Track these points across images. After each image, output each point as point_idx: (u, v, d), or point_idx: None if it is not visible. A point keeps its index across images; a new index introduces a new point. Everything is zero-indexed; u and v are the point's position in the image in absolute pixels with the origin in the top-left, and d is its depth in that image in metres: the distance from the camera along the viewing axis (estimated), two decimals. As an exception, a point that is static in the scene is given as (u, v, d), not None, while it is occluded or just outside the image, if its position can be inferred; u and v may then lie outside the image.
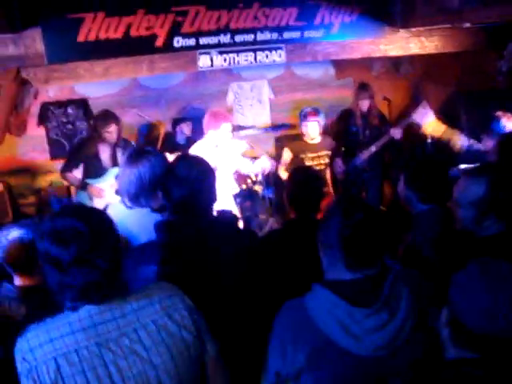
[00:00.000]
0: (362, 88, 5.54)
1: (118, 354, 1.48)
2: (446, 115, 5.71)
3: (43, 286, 2.43)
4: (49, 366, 1.43)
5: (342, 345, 1.62)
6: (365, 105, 5.52)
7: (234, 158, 4.84)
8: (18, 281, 2.45)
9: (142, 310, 1.56)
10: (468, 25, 4.79)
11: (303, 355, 1.65)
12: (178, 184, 2.25)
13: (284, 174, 5.21)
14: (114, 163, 5.00)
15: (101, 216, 1.58)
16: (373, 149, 5.36)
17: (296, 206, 2.86)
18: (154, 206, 2.60)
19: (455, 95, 5.74)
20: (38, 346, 1.45)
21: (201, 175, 2.28)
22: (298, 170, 3.39)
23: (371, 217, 1.73)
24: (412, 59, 6.35)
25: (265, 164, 4.91)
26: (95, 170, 4.97)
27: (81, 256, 1.44)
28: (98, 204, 4.65)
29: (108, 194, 4.88)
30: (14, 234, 2.44)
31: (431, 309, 1.72)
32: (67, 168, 5.05)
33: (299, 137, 5.27)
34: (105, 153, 5.00)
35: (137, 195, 2.59)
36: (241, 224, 4.68)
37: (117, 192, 2.79)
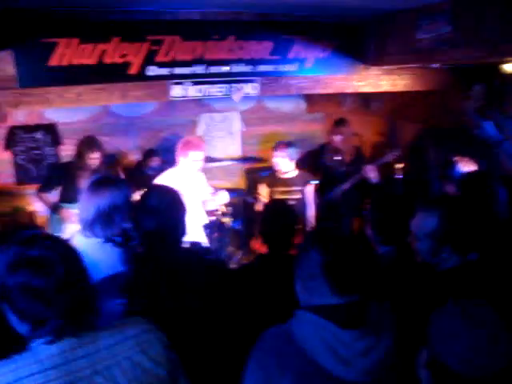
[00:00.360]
0: (339, 123, 5.63)
1: None
2: (414, 150, 5.84)
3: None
4: None
5: (330, 369, 1.58)
6: (337, 140, 5.56)
7: (201, 188, 4.81)
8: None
9: (116, 345, 1.49)
10: (437, 65, 4.93)
11: (289, 382, 1.60)
12: (147, 215, 2.21)
13: (261, 200, 5.15)
14: None
15: (67, 245, 1.51)
16: (345, 186, 5.40)
17: (268, 241, 2.84)
18: (109, 236, 2.51)
19: (423, 132, 5.85)
20: None
21: (171, 206, 2.25)
22: (271, 205, 3.38)
23: (350, 243, 1.73)
24: (382, 96, 6.47)
25: (223, 199, 4.93)
26: (72, 194, 4.86)
27: (61, 284, 1.38)
28: (69, 228, 4.56)
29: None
30: None
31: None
32: (45, 189, 5.02)
33: (272, 170, 5.25)
34: (84, 179, 4.91)
35: (92, 224, 2.50)
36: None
37: (79, 221, 2.69)
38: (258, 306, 2.40)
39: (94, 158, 4.90)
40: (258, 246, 4.62)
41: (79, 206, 2.63)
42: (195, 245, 2.51)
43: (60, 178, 5.02)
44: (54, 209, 4.93)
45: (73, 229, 4.33)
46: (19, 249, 1.40)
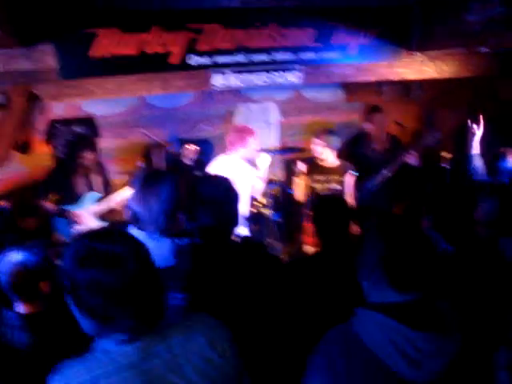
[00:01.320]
0: (373, 110, 5.46)
1: None
2: (457, 141, 5.65)
3: (47, 313, 2.31)
4: None
5: (399, 371, 1.51)
6: (368, 128, 5.45)
7: (253, 175, 4.75)
8: (21, 308, 2.30)
9: (187, 343, 1.44)
10: (485, 50, 4.73)
11: (358, 382, 1.54)
12: (203, 205, 2.14)
13: (299, 188, 5.00)
14: (89, 189, 4.93)
15: (137, 241, 1.45)
16: (385, 172, 5.24)
17: (322, 236, 2.76)
18: (173, 231, 2.45)
19: (467, 121, 5.66)
20: None
21: (226, 196, 2.18)
22: (324, 198, 3.29)
23: (411, 234, 1.65)
24: (423, 84, 6.28)
25: (265, 162, 4.85)
26: (70, 196, 4.84)
27: (132, 281, 1.32)
28: (78, 230, 4.53)
29: (87, 220, 4.75)
30: (18, 257, 2.30)
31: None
32: (43, 197, 4.85)
33: (313, 158, 5.12)
34: (80, 177, 4.92)
35: (157, 219, 2.43)
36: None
37: (132, 216, 2.61)
38: (318, 301, 2.32)
39: (87, 158, 4.84)
40: (311, 241, 4.53)
41: (133, 202, 2.55)
42: (245, 239, 2.41)
43: (56, 184, 4.88)
44: (60, 214, 4.79)
45: (82, 229, 4.34)
46: (89, 243, 1.34)
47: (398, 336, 1.52)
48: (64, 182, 4.87)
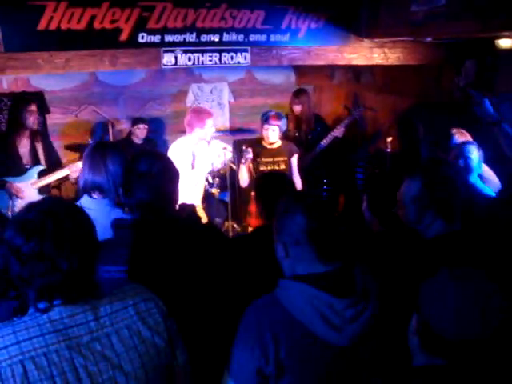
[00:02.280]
0: (296, 93, 5.97)
1: (88, 358, 1.40)
2: (404, 125, 5.85)
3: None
4: (14, 369, 1.31)
5: (321, 336, 1.62)
6: (297, 110, 5.89)
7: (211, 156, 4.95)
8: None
9: (115, 313, 1.48)
10: (430, 39, 4.90)
11: (285, 350, 1.63)
12: (139, 180, 2.19)
13: (244, 174, 5.07)
14: (34, 159, 4.80)
15: (76, 215, 1.48)
16: (317, 149, 5.71)
17: (266, 212, 2.82)
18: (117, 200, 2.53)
19: (414, 107, 5.85)
20: (3, 348, 1.33)
21: (162, 171, 2.23)
22: (267, 176, 3.36)
23: (331, 209, 1.80)
24: (373, 70, 6.44)
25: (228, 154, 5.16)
26: (14, 167, 4.68)
27: (41, 251, 1.36)
28: (19, 204, 4.43)
29: (28, 194, 4.60)
30: None
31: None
32: None
33: (258, 140, 5.21)
34: (24, 147, 4.77)
35: (116, 188, 2.53)
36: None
37: (83, 184, 2.69)
38: (255, 276, 2.39)
39: (32, 111, 4.65)
40: (254, 221, 4.62)
41: (85, 170, 2.66)
42: (186, 207, 2.44)
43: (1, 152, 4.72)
44: (0, 185, 4.60)
45: (23, 203, 4.25)
46: (25, 210, 1.43)
47: (320, 303, 1.63)
48: (7, 151, 4.71)
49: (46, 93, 6.10)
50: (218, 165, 5.20)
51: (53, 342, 1.37)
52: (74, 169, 4.42)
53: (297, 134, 5.91)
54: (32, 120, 4.68)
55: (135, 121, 5.90)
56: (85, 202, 2.59)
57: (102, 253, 2.02)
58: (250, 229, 4.84)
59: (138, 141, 5.81)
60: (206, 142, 4.80)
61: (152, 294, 1.62)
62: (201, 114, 4.66)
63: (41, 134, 4.99)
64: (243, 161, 4.95)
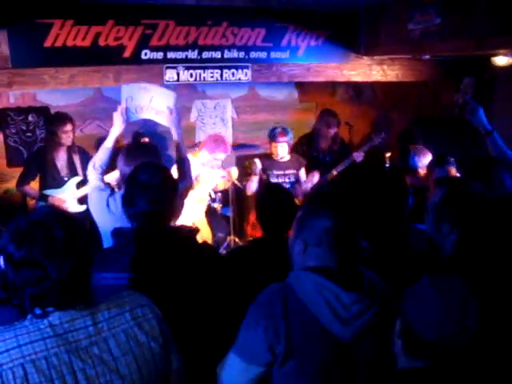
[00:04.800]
0: (333, 115, 5.64)
1: (87, 362, 1.45)
2: (404, 141, 5.91)
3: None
4: (15, 372, 1.37)
5: (327, 326, 1.70)
6: (332, 132, 5.63)
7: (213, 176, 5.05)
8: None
9: (113, 318, 1.55)
10: (427, 57, 4.99)
11: (295, 332, 1.71)
12: (139, 191, 2.24)
13: (254, 185, 5.19)
14: (72, 171, 4.96)
15: (67, 224, 1.51)
16: (334, 172, 5.46)
17: (263, 223, 2.86)
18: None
19: (414, 122, 5.93)
20: (5, 352, 1.39)
21: (162, 182, 2.29)
22: (269, 187, 3.41)
23: (352, 211, 1.85)
24: (374, 87, 6.53)
25: (234, 174, 5.25)
26: (53, 180, 4.89)
27: (31, 259, 1.41)
28: None
29: (69, 205, 4.81)
30: None
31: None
32: (24, 181, 4.94)
33: (267, 155, 5.33)
34: (61, 160, 4.94)
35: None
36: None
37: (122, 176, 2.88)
38: (250, 288, 2.44)
39: (67, 131, 4.84)
40: (251, 231, 4.70)
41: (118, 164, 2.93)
42: (183, 227, 2.51)
43: (36, 167, 4.94)
44: (42, 198, 4.86)
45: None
46: (20, 218, 1.48)
47: (329, 293, 1.71)
48: (45, 165, 4.89)
49: (52, 108, 6.21)
50: (220, 186, 5.32)
51: (53, 345, 1.42)
52: (111, 177, 4.54)
53: (315, 154, 5.72)
54: (67, 138, 4.87)
55: (138, 136, 5.98)
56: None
57: (103, 260, 2.11)
58: (249, 238, 4.93)
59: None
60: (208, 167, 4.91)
61: (148, 300, 1.67)
62: (218, 143, 4.85)
63: (77, 146, 5.13)
64: (253, 172, 5.19)
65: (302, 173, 5.35)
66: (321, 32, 4.89)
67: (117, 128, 3.19)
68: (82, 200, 4.85)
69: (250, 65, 4.70)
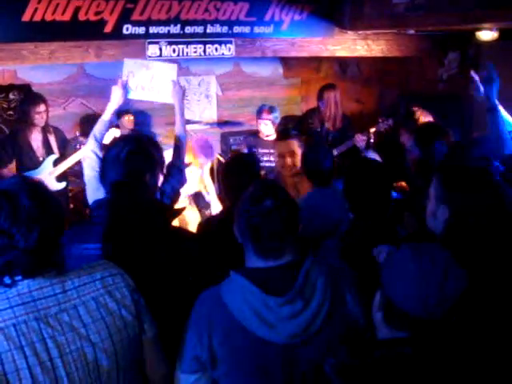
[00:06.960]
0: (330, 88, 5.37)
1: (56, 329, 1.45)
2: (388, 116, 5.90)
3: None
4: None
5: (255, 332, 1.65)
6: (321, 107, 5.43)
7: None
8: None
9: (83, 286, 1.54)
10: (412, 31, 4.97)
11: (217, 341, 1.68)
12: (109, 163, 2.30)
13: None
14: (48, 151, 4.91)
15: (36, 193, 1.50)
16: (334, 152, 5.31)
17: (230, 193, 2.86)
18: None
19: (398, 98, 5.92)
20: None
21: (132, 154, 2.29)
22: (233, 157, 3.38)
23: (282, 204, 1.72)
24: (359, 62, 6.49)
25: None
26: (30, 161, 4.82)
27: (26, 219, 1.42)
28: None
29: (48, 184, 4.76)
30: None
31: (349, 295, 1.79)
32: (0, 165, 4.83)
33: (254, 132, 5.31)
34: (36, 141, 4.88)
35: None
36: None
37: None
38: (223, 257, 2.43)
39: (40, 112, 4.76)
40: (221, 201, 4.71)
41: None
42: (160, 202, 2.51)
43: (13, 149, 4.82)
44: None
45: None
46: None
47: (254, 298, 1.64)
48: (20, 147, 4.82)
49: (34, 85, 6.09)
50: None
51: (21, 313, 1.42)
52: None
53: (318, 130, 5.50)
54: (41, 119, 4.79)
55: (121, 112, 5.92)
56: None
57: (80, 231, 2.12)
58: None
59: (125, 132, 5.83)
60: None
61: (120, 269, 1.67)
62: (208, 151, 4.86)
63: (52, 125, 5.06)
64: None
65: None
66: (305, 6, 4.85)
67: (115, 101, 3.19)
68: (61, 177, 4.83)
69: (233, 40, 4.66)
